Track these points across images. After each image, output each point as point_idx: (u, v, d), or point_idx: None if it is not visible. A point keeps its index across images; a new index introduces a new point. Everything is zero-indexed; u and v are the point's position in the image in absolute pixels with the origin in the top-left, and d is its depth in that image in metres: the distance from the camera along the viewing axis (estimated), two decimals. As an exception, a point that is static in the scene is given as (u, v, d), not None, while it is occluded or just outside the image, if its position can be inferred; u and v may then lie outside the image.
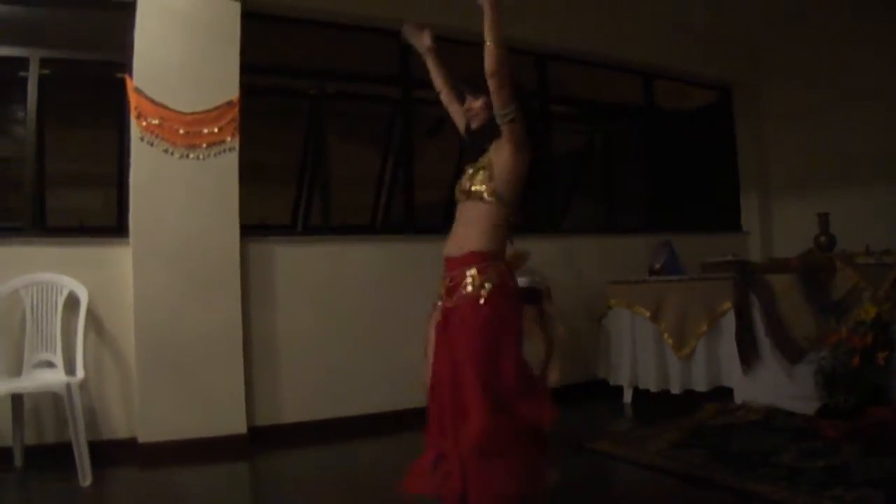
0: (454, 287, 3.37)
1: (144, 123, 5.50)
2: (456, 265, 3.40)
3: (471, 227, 3.42)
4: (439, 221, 7.11)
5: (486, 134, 3.48)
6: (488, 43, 3.37)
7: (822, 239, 6.85)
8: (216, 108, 5.71)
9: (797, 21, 8.23)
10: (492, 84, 3.32)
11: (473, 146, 3.60)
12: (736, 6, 8.12)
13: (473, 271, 3.34)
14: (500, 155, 3.37)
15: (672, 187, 8.76)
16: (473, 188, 3.41)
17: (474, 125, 3.59)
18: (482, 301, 3.30)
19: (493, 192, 3.37)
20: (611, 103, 8.73)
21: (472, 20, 6.46)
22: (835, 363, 5.15)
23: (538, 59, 7.75)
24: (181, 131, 5.58)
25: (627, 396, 6.92)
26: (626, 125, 9.05)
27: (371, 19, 6.55)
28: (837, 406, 5.05)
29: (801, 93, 8.48)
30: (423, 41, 3.94)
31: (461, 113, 3.75)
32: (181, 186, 5.61)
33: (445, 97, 3.93)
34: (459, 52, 7.16)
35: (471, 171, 3.49)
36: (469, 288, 3.32)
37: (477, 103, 3.54)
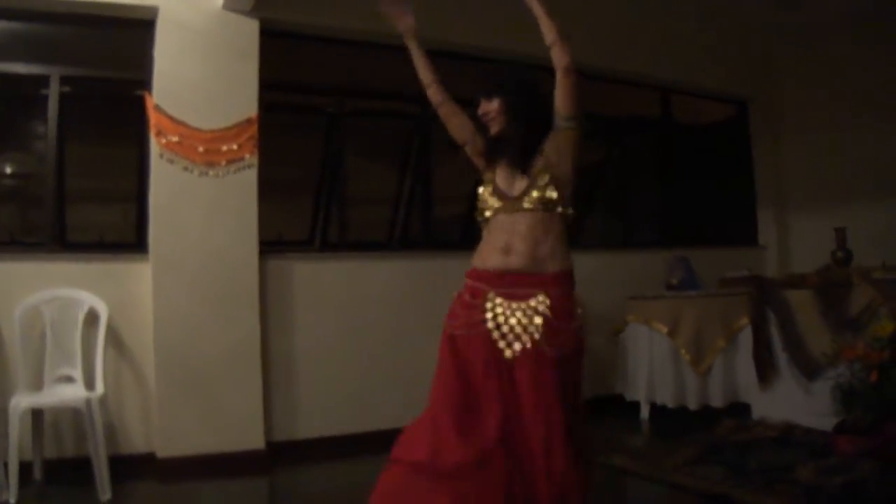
0: (554, 311, 3.08)
1: (164, 141, 5.55)
2: (542, 283, 3.14)
3: (545, 241, 3.17)
4: (457, 237, 7.14)
5: (518, 138, 3.23)
6: (553, 37, 3.31)
7: (839, 254, 6.84)
8: (235, 126, 5.76)
9: (814, 36, 8.23)
10: (567, 82, 3.28)
11: (506, 153, 3.31)
12: (753, 22, 8.13)
13: (571, 297, 3.19)
14: (563, 162, 3.20)
15: (689, 202, 8.75)
16: (547, 195, 3.14)
17: (494, 130, 3.28)
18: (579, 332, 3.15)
19: (563, 200, 3.20)
20: (628, 118, 8.73)
21: (491, 38, 6.53)
22: (852, 379, 5.12)
23: (554, 74, 7.75)
24: (200, 149, 5.63)
25: (644, 412, 6.90)
26: (643, 140, 9.04)
27: (388, 36, 6.54)
28: (855, 422, 5.03)
29: (818, 108, 8.47)
30: (404, 20, 3.69)
31: (465, 126, 3.47)
32: (200, 203, 5.66)
33: (446, 108, 3.54)
34: (476, 68, 7.24)
35: (525, 179, 3.19)
36: (571, 317, 3.14)
37: (493, 105, 3.26)
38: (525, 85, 3.38)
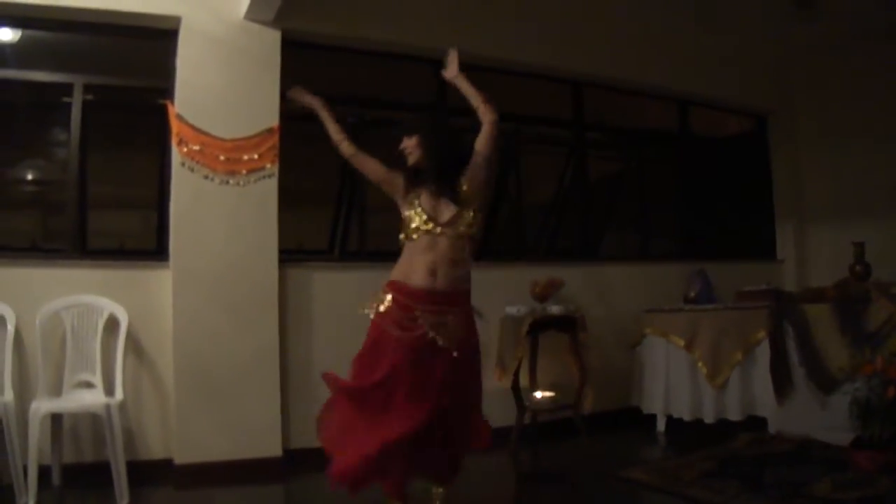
0: (456, 325, 3.75)
1: (185, 149, 5.59)
2: (458, 302, 3.80)
3: (460, 267, 3.77)
4: (476, 246, 7.16)
5: (432, 170, 3.81)
6: (478, 103, 3.98)
7: (858, 268, 6.81)
8: (256, 135, 5.80)
9: (833, 49, 8.22)
10: (491, 131, 3.91)
11: (426, 182, 3.85)
12: (771, 35, 8.13)
13: (472, 313, 3.93)
14: (479, 195, 3.80)
15: (707, 215, 8.75)
16: (471, 223, 3.76)
17: (411, 161, 3.87)
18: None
19: (477, 234, 3.82)
20: (646, 130, 8.74)
21: (505, 48, 6.57)
22: (869, 394, 5.11)
23: (574, 86, 7.79)
24: (221, 157, 5.67)
25: (661, 425, 6.89)
26: (661, 152, 9.04)
27: (408, 48, 6.62)
28: (872, 437, 5.02)
29: (837, 121, 8.47)
30: (309, 100, 4.45)
31: (377, 170, 4.07)
32: (221, 212, 5.70)
33: (359, 158, 4.16)
34: (494, 79, 7.28)
35: (452, 207, 3.77)
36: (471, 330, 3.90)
37: (412, 141, 3.83)
38: (439, 126, 4.02)
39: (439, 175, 3.79)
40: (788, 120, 9.15)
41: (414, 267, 3.75)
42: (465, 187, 3.79)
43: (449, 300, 3.73)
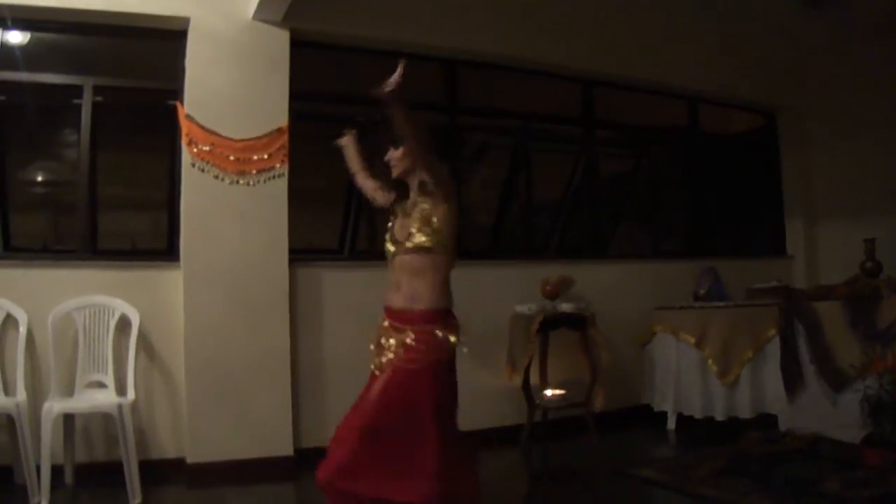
0: (413, 342, 3.47)
1: (195, 150, 5.61)
2: (411, 320, 3.51)
3: (419, 280, 3.54)
4: (485, 246, 7.17)
5: (420, 156, 3.56)
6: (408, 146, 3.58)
7: (869, 265, 6.79)
8: (266, 135, 5.81)
9: (842, 46, 8.20)
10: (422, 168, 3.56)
11: (401, 194, 3.76)
12: (781, 31, 8.11)
13: (438, 329, 3.49)
14: (438, 208, 3.51)
15: (717, 212, 8.75)
16: (419, 240, 3.51)
17: (395, 173, 3.71)
18: (446, 361, 3.52)
19: (439, 243, 3.52)
20: (656, 128, 8.73)
21: (514, 46, 6.57)
22: (880, 392, 5.11)
23: (584, 84, 7.79)
24: (231, 158, 5.68)
25: (671, 422, 6.89)
26: (671, 150, 9.03)
27: (417, 47, 6.62)
28: (883, 435, 5.02)
29: (847, 117, 8.45)
30: (345, 146, 4.24)
31: (375, 187, 4.03)
32: (231, 212, 5.71)
33: (360, 177, 4.18)
34: (504, 77, 7.29)
35: (410, 223, 3.59)
36: (433, 347, 3.47)
37: (397, 153, 3.66)
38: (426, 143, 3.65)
39: (425, 160, 3.53)
40: (798, 116, 9.12)
41: (390, 286, 3.68)
42: (428, 208, 3.54)
43: (403, 318, 3.54)
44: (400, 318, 3.53)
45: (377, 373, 3.58)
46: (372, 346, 3.66)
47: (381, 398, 3.45)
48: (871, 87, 8.13)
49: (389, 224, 3.78)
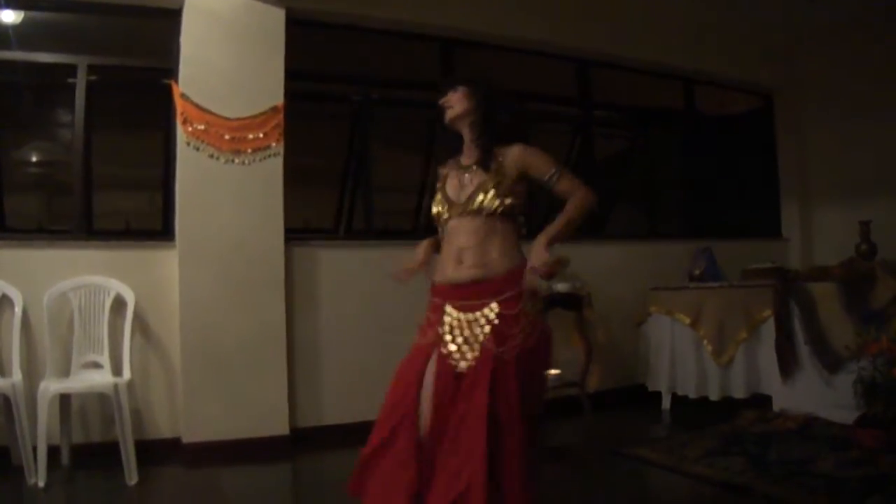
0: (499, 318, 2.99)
1: (190, 129, 5.59)
2: (491, 291, 3.04)
3: (488, 245, 3.09)
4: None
5: (475, 128, 3.26)
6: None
7: (864, 247, 6.81)
8: (261, 114, 5.79)
9: (839, 28, 8.17)
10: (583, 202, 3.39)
11: (459, 147, 3.36)
12: (777, 12, 8.09)
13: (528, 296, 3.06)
14: (519, 180, 3.16)
15: (712, 193, 8.74)
16: (489, 202, 3.06)
17: (450, 115, 3.30)
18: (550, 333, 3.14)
19: (511, 209, 3.13)
20: (652, 109, 8.72)
21: (511, 26, 6.54)
22: (874, 373, 5.11)
23: (580, 65, 7.77)
24: (227, 136, 5.66)
25: (666, 402, 6.91)
26: (667, 131, 9.02)
27: (414, 25, 6.60)
28: (876, 416, 5.02)
29: (843, 99, 8.42)
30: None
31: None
32: (227, 191, 5.70)
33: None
34: (500, 57, 7.26)
35: (477, 177, 3.16)
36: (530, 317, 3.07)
37: (457, 94, 3.27)
38: (492, 87, 3.35)
39: (478, 137, 3.23)
40: (794, 98, 9.09)
41: (444, 260, 3.21)
42: (500, 159, 3.15)
43: (478, 291, 3.06)
44: (471, 293, 3.06)
45: (451, 361, 3.06)
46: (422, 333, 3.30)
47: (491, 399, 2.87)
48: (867, 70, 8.11)
49: (438, 185, 3.35)
